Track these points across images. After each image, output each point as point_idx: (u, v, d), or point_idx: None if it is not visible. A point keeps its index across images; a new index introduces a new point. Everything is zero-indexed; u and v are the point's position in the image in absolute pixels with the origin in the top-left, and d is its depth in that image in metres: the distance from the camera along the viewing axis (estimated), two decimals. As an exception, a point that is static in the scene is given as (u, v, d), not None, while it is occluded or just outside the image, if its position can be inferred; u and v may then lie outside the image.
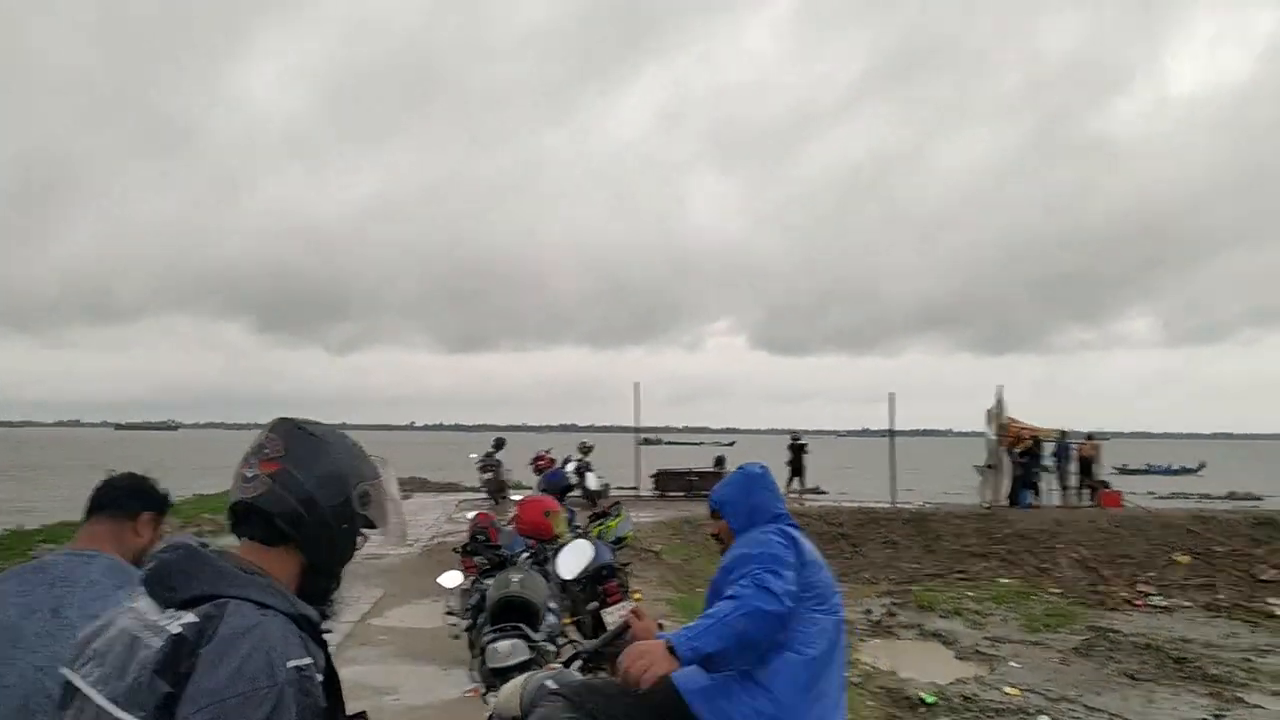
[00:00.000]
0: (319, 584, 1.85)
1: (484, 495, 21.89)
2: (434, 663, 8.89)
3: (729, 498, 3.53)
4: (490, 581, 5.83)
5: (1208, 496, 35.41)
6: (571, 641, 5.70)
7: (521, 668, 4.41)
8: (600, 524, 8.87)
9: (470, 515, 9.41)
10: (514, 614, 5.03)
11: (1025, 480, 22.74)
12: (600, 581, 7.16)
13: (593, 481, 19.37)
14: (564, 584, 6.51)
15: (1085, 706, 11.51)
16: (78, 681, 1.68)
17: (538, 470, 20.58)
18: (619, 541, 8.68)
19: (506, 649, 4.78)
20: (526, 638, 4.86)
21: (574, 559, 5.30)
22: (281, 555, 1.80)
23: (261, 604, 1.64)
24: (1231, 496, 35.34)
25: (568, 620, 6.28)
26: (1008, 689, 11.97)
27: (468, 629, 6.63)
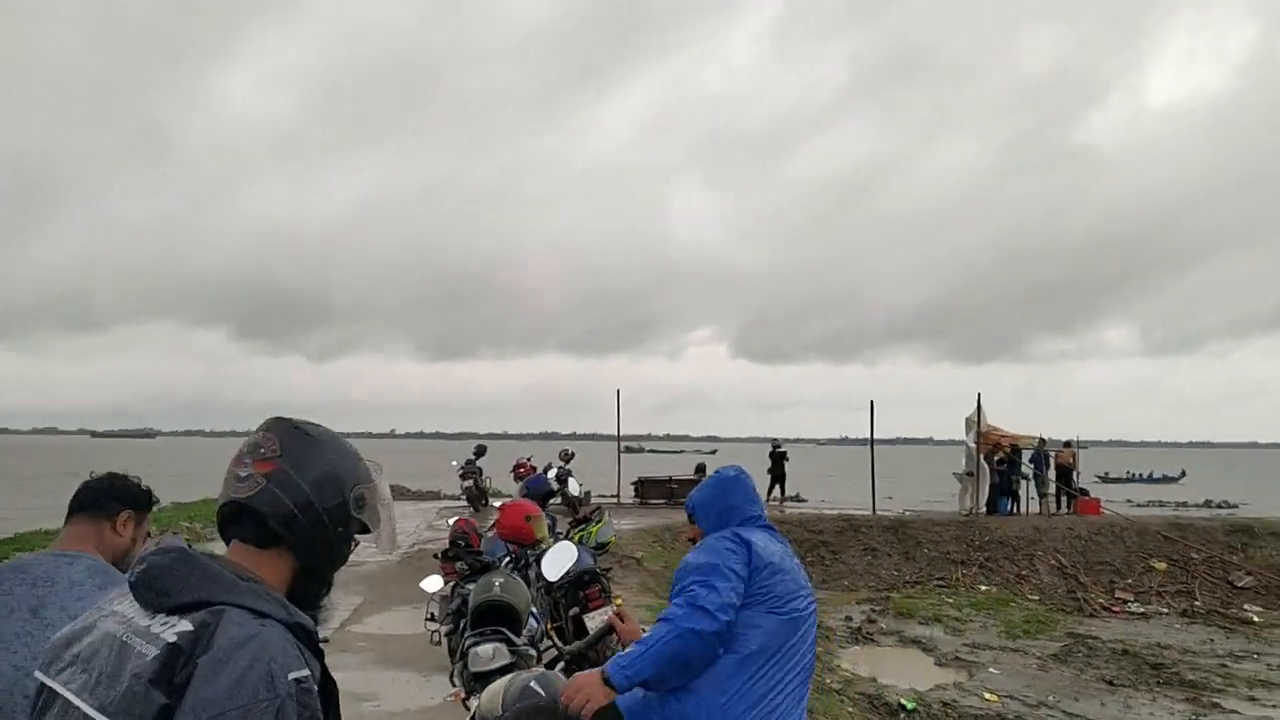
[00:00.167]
0: (310, 588, 1.80)
1: (464, 503, 21.83)
2: (414, 669, 8.86)
3: (702, 501, 3.49)
4: (471, 586, 5.81)
5: (1184, 504, 35.70)
6: (554, 645, 5.69)
7: (503, 671, 4.39)
8: (582, 529, 8.87)
9: (451, 521, 9.38)
10: (496, 618, 5.01)
11: (1004, 488, 22.84)
12: (582, 586, 7.16)
13: (574, 488, 19.32)
14: (546, 588, 6.51)
15: (1064, 712, 11.58)
16: (58, 688, 1.62)
17: (518, 478, 20.55)
18: (601, 547, 8.68)
19: (488, 653, 4.77)
20: (508, 641, 4.84)
21: (559, 560, 5.30)
22: (273, 558, 1.75)
23: (259, 612, 1.59)
24: (1208, 504, 35.65)
25: (549, 625, 6.26)
26: (987, 695, 12.03)
27: (449, 634, 6.62)
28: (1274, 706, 12.03)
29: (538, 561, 6.19)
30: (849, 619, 15.96)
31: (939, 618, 16.25)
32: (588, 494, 20.43)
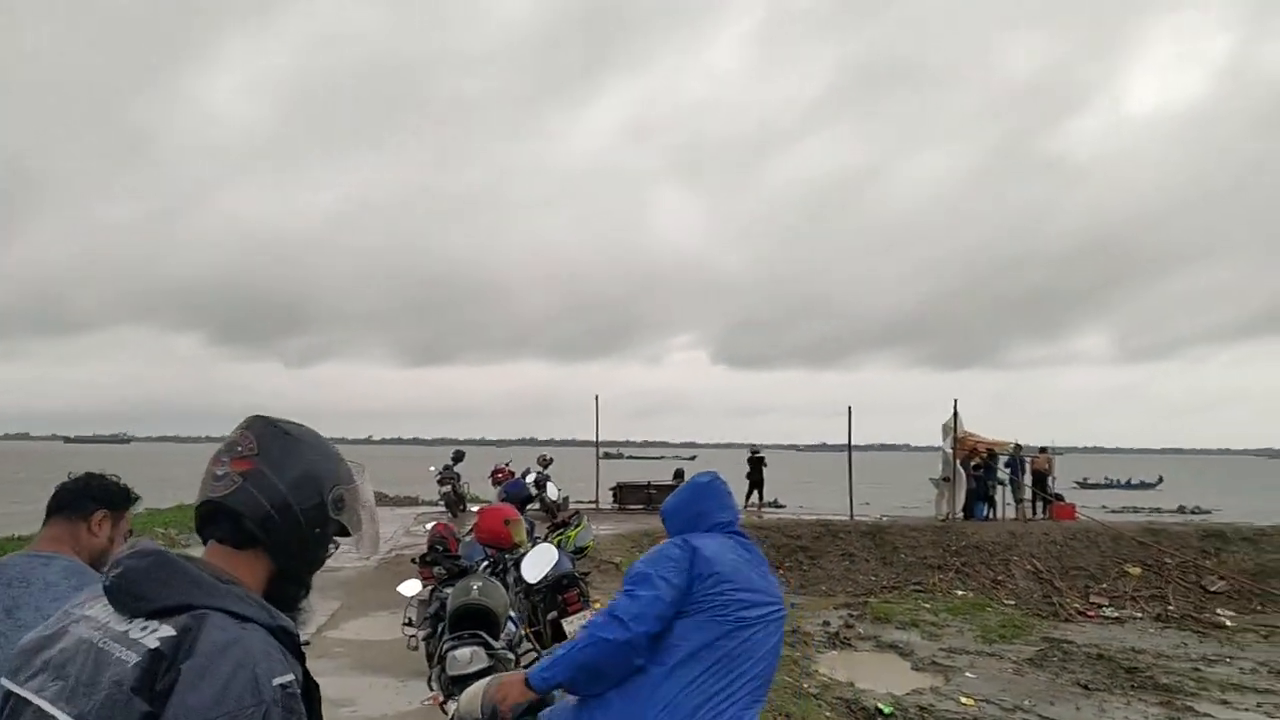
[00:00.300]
0: (288, 590, 1.75)
1: (442, 508, 21.77)
2: (391, 674, 8.83)
3: (672, 507, 3.45)
4: (449, 590, 5.80)
5: (1158, 510, 35.96)
6: (532, 648, 5.69)
7: (481, 674, 4.39)
8: (560, 534, 8.87)
9: (429, 526, 9.36)
10: (474, 622, 5.00)
11: (980, 493, 22.97)
12: (560, 590, 7.15)
13: (552, 493, 19.31)
14: (524, 592, 6.50)
15: (1039, 716, 11.65)
16: (30, 696, 1.56)
17: (496, 483, 20.50)
18: (580, 551, 8.68)
19: (466, 656, 4.76)
20: (486, 645, 4.84)
21: (539, 562, 5.30)
22: (250, 559, 1.70)
23: (241, 616, 1.56)
24: (1181, 510, 35.93)
25: (527, 629, 6.26)
26: (963, 699, 12.09)
27: (426, 638, 6.60)
28: (1246, 710, 12.15)
29: (516, 566, 6.18)
30: (827, 624, 16.01)
31: (916, 622, 16.32)
32: (566, 499, 20.43)
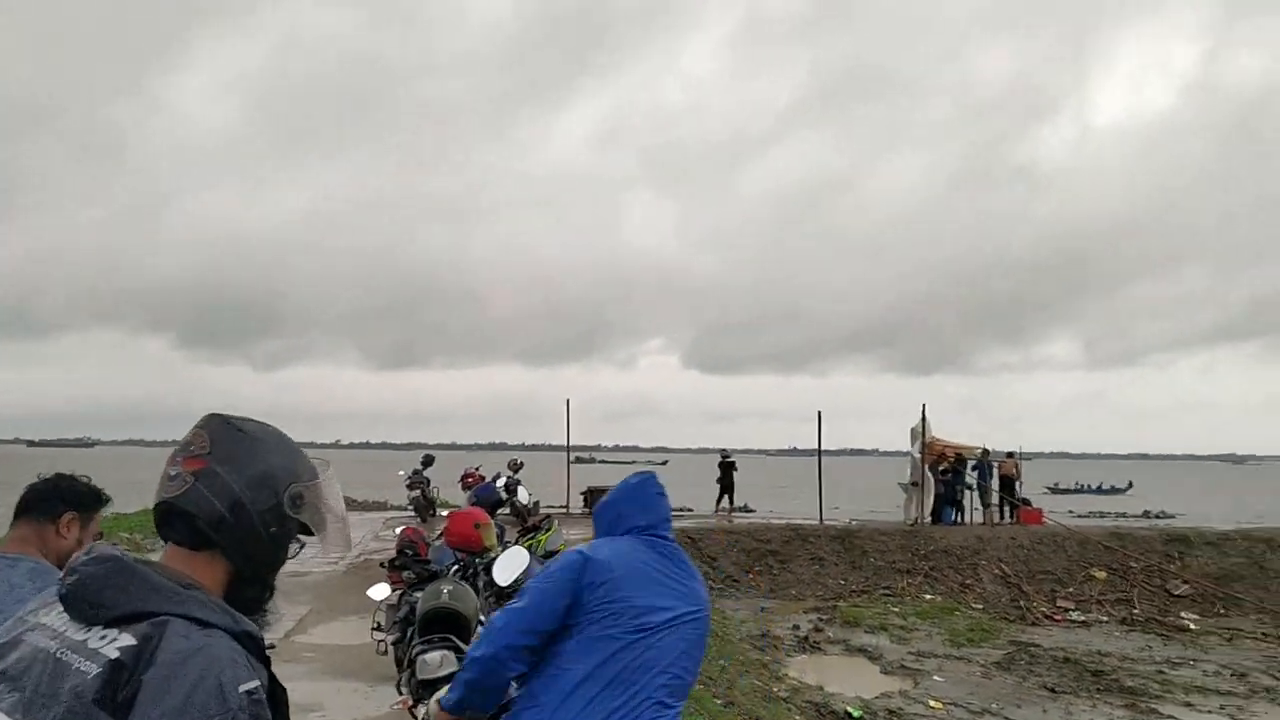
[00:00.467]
0: (247, 592, 1.69)
1: (412, 512, 21.64)
2: (360, 679, 8.77)
3: (599, 508, 3.38)
4: (419, 594, 5.77)
5: (1124, 515, 36.39)
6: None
7: (451, 679, 4.38)
8: (531, 538, 8.85)
9: (398, 531, 9.32)
10: (444, 626, 4.98)
11: (948, 498, 23.12)
12: (530, 595, 7.12)
13: (523, 497, 19.25)
14: (495, 596, 6.48)
15: (1006, 719, 11.75)
16: None
17: (466, 487, 20.40)
18: (550, 555, 8.65)
19: (436, 660, 4.74)
20: (456, 649, 4.82)
21: (511, 565, 5.29)
22: (207, 561, 1.64)
23: (204, 622, 1.50)
24: (1146, 515, 36.34)
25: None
26: (932, 703, 12.18)
27: (395, 642, 6.56)
28: (1209, 712, 12.31)
29: (486, 570, 6.17)
30: (796, 628, 16.06)
31: (885, 626, 16.41)
32: (536, 503, 20.36)
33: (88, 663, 1.46)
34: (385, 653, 7.09)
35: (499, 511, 15.95)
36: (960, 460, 23.36)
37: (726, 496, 25.88)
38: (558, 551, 9.00)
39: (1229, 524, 24.14)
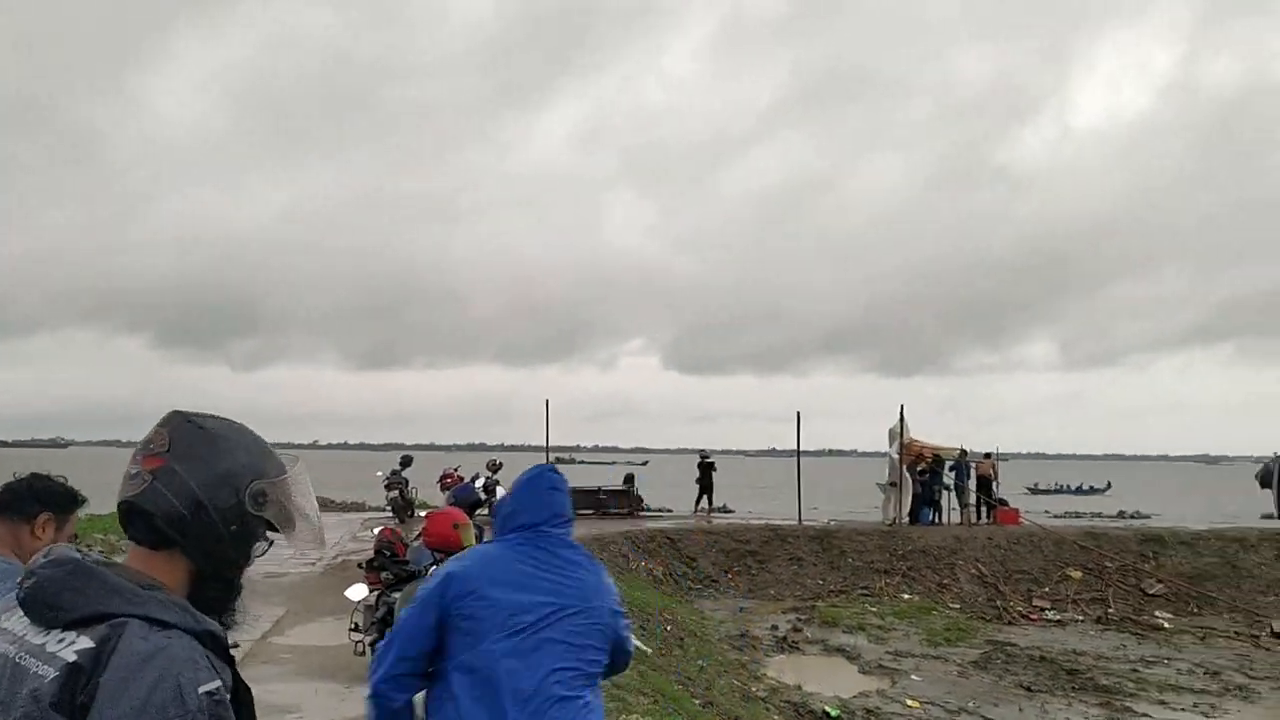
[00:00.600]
0: (210, 592, 1.65)
1: (390, 513, 21.56)
2: (337, 680, 8.73)
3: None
4: (397, 595, 5.76)
5: (1099, 515, 36.62)
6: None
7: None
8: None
9: (376, 531, 9.29)
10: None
11: (926, 498, 23.19)
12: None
13: (501, 497, 19.20)
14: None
15: (983, 717, 11.83)
16: None
17: (445, 488, 20.34)
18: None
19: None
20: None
21: None
22: (167, 560, 1.61)
23: (164, 623, 1.47)
24: (1121, 515, 36.58)
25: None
26: (909, 702, 12.24)
27: (373, 643, 6.55)
28: (1182, 710, 12.43)
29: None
30: (775, 628, 16.11)
31: (863, 626, 16.48)
32: (516, 505, 20.30)
33: (45, 666, 1.44)
34: (363, 654, 7.08)
35: (477, 512, 15.88)
36: (938, 461, 23.44)
37: (706, 497, 25.92)
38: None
39: (1203, 524, 24.35)
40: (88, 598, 1.47)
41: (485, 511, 18.42)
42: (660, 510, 26.31)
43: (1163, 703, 12.66)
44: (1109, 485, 72.64)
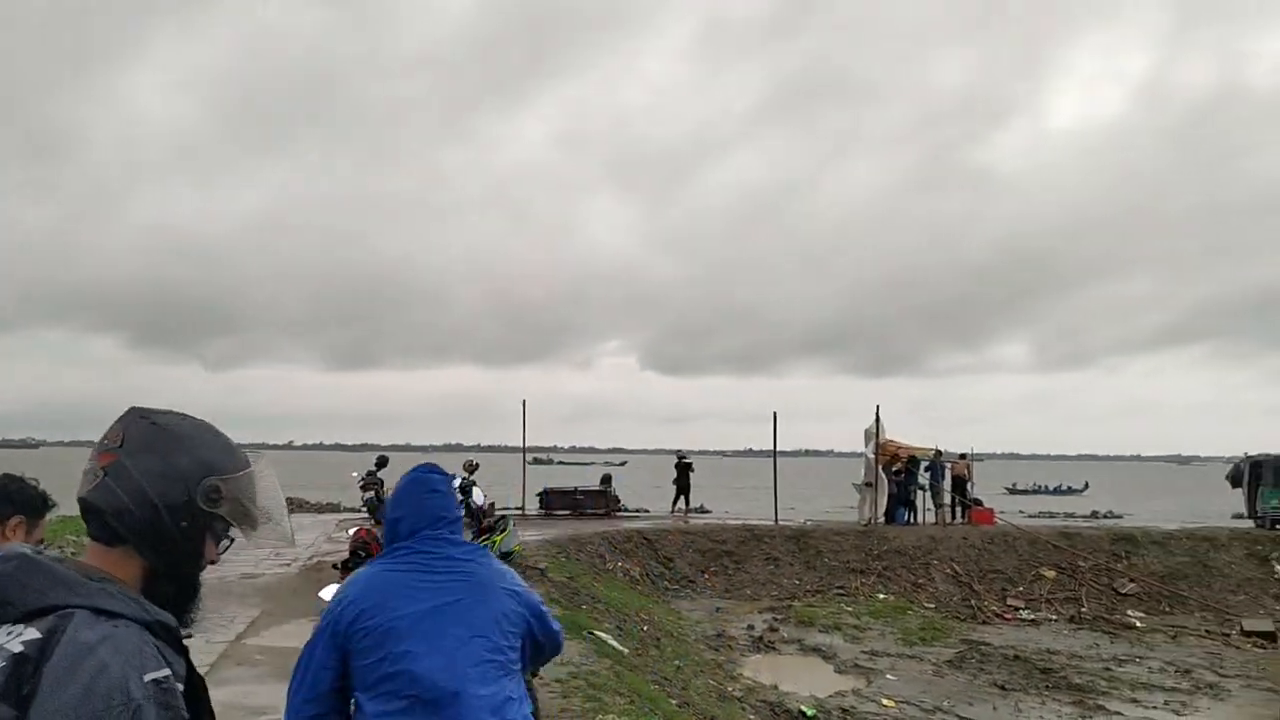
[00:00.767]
0: (164, 589, 1.63)
1: (365, 514, 21.47)
2: (312, 683, 8.68)
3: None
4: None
5: (1073, 515, 36.89)
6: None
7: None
8: (486, 539, 8.83)
9: (351, 532, 9.26)
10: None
11: (901, 498, 23.32)
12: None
13: (478, 498, 19.17)
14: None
15: (958, 716, 11.90)
16: None
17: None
18: (505, 556, 8.65)
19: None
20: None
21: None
22: (120, 557, 1.60)
23: (111, 613, 1.47)
24: (1094, 515, 36.88)
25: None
26: (885, 701, 12.29)
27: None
28: (1154, 708, 12.55)
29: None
30: (751, 628, 16.15)
31: (839, 626, 16.55)
32: (492, 505, 20.28)
33: None
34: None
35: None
36: (913, 461, 23.57)
37: (683, 497, 25.95)
38: (513, 552, 9.01)
39: (1174, 524, 24.61)
40: (36, 591, 1.48)
41: (461, 512, 18.49)
42: (637, 511, 26.33)
43: (1135, 701, 12.78)
44: (1086, 485, 73.36)
